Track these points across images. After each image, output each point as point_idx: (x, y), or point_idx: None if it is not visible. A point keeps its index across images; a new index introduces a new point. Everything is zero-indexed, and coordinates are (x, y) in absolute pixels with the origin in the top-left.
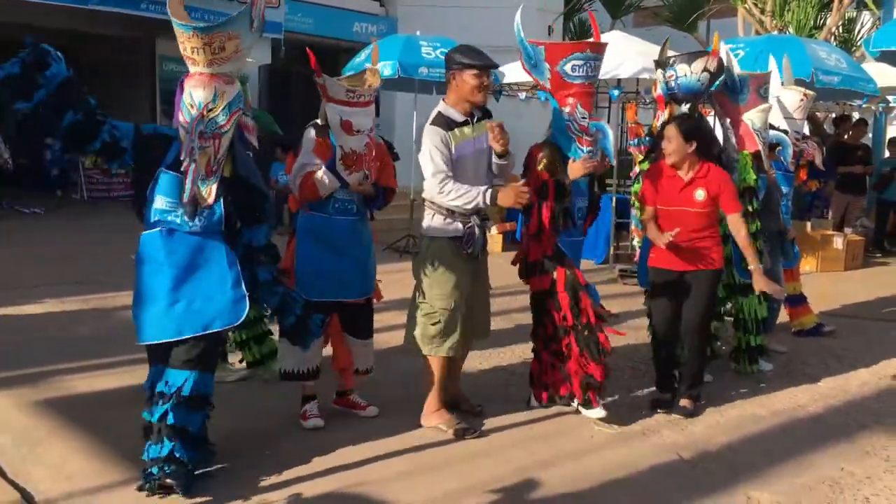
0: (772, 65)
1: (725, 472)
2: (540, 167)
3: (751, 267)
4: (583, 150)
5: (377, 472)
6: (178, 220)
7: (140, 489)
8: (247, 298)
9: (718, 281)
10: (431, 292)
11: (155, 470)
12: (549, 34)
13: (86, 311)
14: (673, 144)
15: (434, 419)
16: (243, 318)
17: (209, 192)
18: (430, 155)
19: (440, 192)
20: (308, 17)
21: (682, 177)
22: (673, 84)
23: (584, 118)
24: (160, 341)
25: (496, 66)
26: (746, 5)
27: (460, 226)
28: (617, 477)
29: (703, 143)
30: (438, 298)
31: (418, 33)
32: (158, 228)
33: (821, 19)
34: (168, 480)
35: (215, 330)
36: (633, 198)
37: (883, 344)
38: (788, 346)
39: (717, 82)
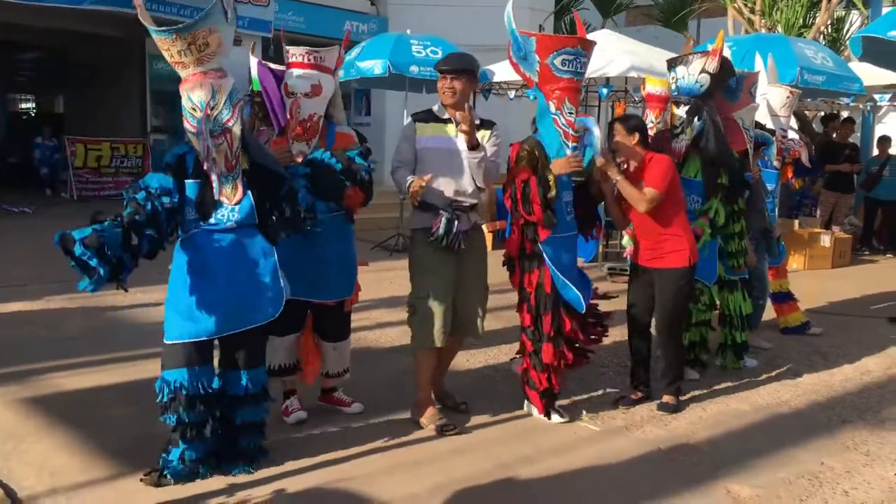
0: (759, 64)
1: (706, 466)
2: (522, 164)
3: (616, 176)
4: (569, 146)
5: (361, 467)
6: (214, 220)
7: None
8: (284, 292)
9: (688, 279)
10: (411, 283)
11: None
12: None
13: (72, 310)
14: (617, 138)
15: (417, 413)
16: (281, 309)
17: (235, 187)
18: (397, 144)
19: (392, 176)
20: (299, 15)
21: (636, 169)
22: (674, 86)
23: (570, 113)
24: (203, 339)
25: (461, 71)
26: (736, 4)
27: (432, 219)
28: (597, 471)
29: (645, 135)
30: (414, 288)
31: (408, 32)
32: (197, 231)
33: (810, 19)
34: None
35: (259, 324)
36: None
37: (868, 340)
38: (774, 342)
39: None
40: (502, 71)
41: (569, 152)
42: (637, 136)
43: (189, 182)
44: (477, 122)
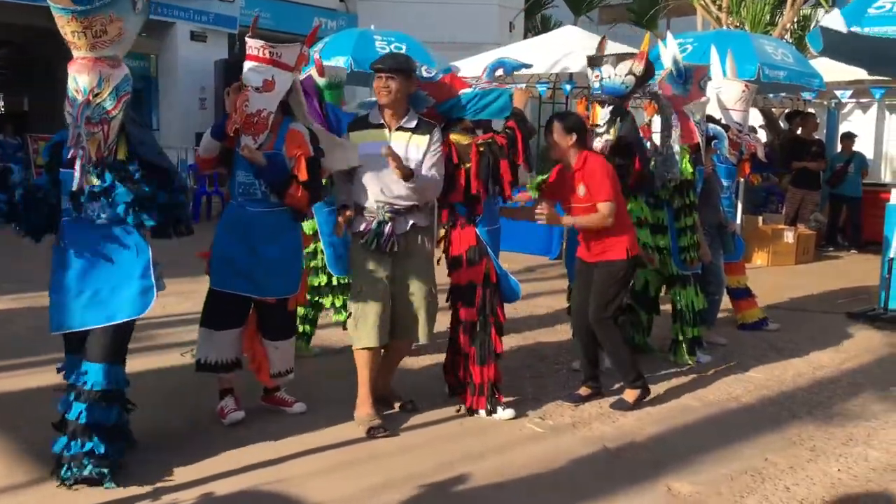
0: (713, 57)
1: (649, 463)
2: (464, 141)
3: (566, 223)
4: (511, 90)
5: (297, 468)
6: (84, 215)
7: (62, 482)
8: (154, 289)
9: (622, 272)
10: (351, 285)
11: (75, 468)
12: (511, 31)
13: (18, 311)
14: (554, 136)
15: (355, 413)
16: (149, 309)
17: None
18: None
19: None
20: (266, 11)
21: (571, 170)
22: (598, 84)
23: (475, 81)
24: (67, 331)
25: (396, 70)
26: (703, 2)
27: (365, 222)
28: (540, 470)
29: (583, 135)
30: (351, 288)
31: (373, 27)
32: (69, 221)
33: (777, 17)
34: (90, 474)
35: (118, 321)
36: None
37: (824, 335)
38: (730, 338)
39: (655, 79)
40: (468, 67)
41: (514, 90)
42: (574, 136)
43: (64, 171)
44: (413, 123)
